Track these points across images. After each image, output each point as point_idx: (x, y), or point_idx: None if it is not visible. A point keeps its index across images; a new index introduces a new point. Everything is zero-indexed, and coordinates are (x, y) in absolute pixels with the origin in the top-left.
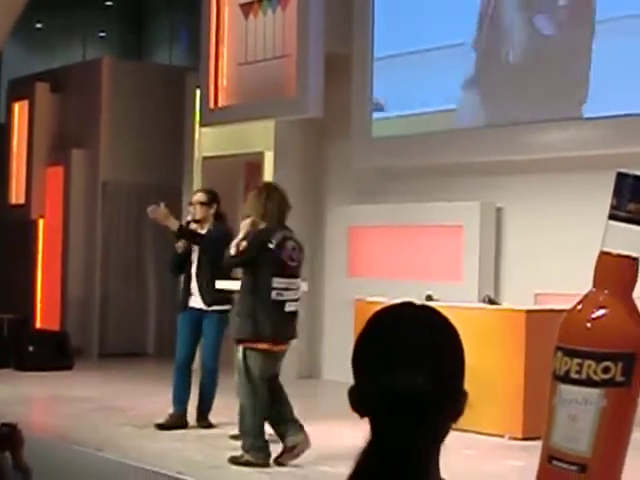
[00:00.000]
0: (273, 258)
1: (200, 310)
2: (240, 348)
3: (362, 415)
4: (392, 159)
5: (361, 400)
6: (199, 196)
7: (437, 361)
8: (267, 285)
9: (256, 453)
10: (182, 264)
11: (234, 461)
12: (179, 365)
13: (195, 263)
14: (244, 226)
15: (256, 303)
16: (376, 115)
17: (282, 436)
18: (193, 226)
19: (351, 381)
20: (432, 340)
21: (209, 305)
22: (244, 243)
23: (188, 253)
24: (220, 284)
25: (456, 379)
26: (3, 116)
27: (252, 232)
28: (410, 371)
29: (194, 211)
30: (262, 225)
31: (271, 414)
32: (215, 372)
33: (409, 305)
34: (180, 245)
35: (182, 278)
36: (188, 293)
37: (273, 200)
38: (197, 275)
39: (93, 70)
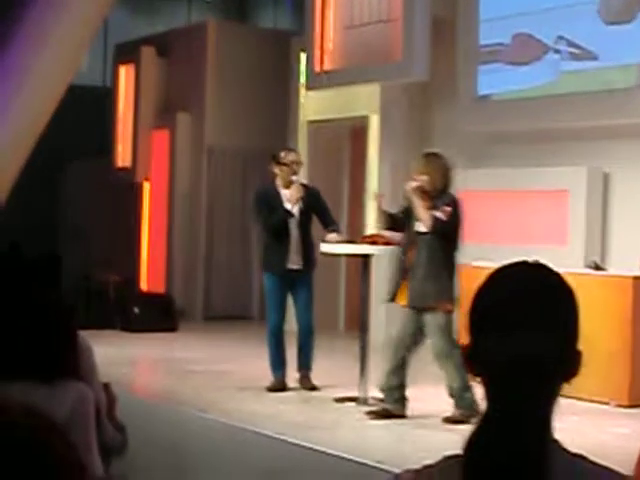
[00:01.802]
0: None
1: (295, 271)
2: (441, 312)
3: (477, 375)
4: (499, 123)
5: (479, 360)
6: (297, 156)
7: (560, 320)
8: (459, 247)
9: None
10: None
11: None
12: (276, 330)
13: (298, 227)
14: (415, 191)
15: (454, 265)
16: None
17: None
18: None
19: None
20: (553, 299)
21: (310, 266)
22: (448, 208)
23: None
24: (325, 247)
25: (575, 338)
26: (109, 80)
27: (442, 196)
28: (533, 330)
29: (294, 170)
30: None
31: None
32: (314, 331)
33: (526, 264)
34: (293, 209)
35: (271, 241)
36: (285, 255)
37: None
38: (302, 238)
39: (198, 33)
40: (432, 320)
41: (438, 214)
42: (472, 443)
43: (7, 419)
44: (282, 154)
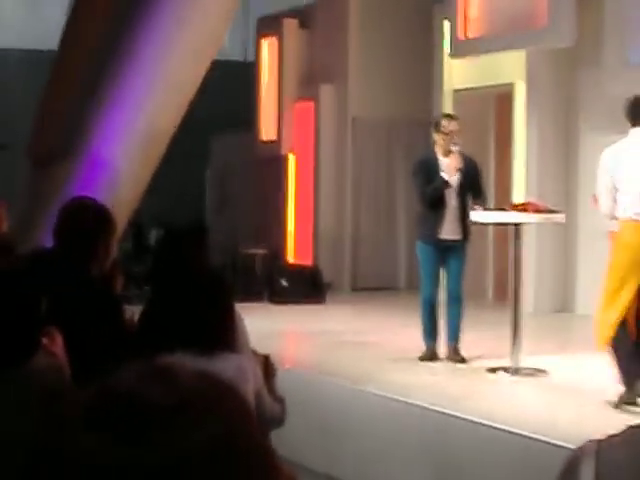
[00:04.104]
0: None
1: (450, 241)
2: None
3: None
4: None
5: None
6: (456, 125)
7: None
8: None
9: None
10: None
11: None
12: (431, 299)
13: (456, 197)
14: None
15: None
16: None
17: None
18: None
19: None
20: None
21: (466, 237)
22: None
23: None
24: (475, 216)
25: None
26: (252, 53)
27: None
28: None
29: (453, 140)
30: None
31: None
32: (463, 302)
33: None
34: (451, 179)
35: (427, 210)
36: (440, 224)
37: None
38: (459, 208)
39: (340, 4)
40: None
41: None
42: None
43: (185, 384)
44: (444, 122)
